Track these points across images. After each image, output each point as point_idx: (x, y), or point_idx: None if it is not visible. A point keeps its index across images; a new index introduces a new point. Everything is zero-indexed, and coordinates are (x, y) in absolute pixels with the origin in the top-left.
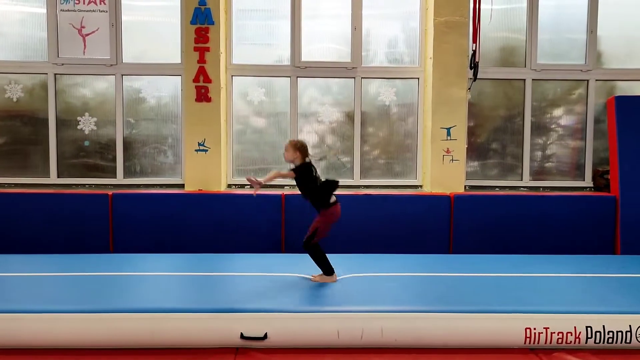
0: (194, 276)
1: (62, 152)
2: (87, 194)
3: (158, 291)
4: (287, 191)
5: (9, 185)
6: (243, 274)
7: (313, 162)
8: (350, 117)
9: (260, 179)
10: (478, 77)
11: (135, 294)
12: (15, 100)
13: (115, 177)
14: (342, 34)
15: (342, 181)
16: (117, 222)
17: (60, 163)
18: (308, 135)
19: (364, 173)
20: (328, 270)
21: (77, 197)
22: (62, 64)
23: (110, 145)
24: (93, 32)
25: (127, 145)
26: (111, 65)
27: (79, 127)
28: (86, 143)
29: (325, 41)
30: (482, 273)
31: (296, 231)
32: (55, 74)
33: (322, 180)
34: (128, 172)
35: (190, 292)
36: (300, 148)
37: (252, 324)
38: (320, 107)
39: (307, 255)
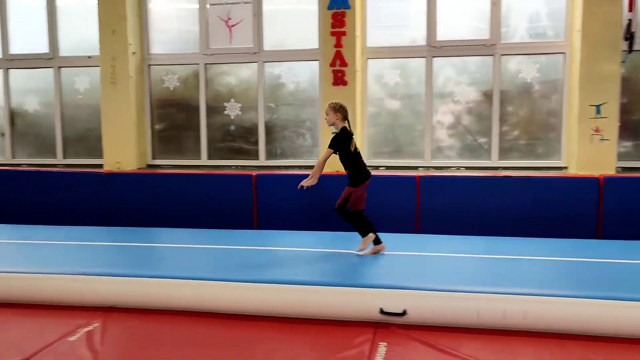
0: (338, 253)
1: (211, 136)
2: (233, 175)
3: (302, 265)
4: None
5: (167, 166)
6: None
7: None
8: (488, 96)
9: (311, 179)
10: (634, 49)
11: (281, 267)
12: (171, 89)
13: (258, 159)
14: (479, 10)
15: (479, 163)
16: (261, 201)
17: (209, 146)
18: (443, 116)
19: (503, 154)
20: (366, 233)
21: (225, 177)
22: (212, 54)
23: (253, 129)
24: (238, 22)
25: (269, 129)
26: (254, 53)
27: (225, 112)
28: (232, 127)
29: (461, 19)
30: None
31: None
32: (205, 64)
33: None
34: (269, 155)
35: (334, 268)
36: (340, 109)
37: (392, 300)
38: (456, 87)
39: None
